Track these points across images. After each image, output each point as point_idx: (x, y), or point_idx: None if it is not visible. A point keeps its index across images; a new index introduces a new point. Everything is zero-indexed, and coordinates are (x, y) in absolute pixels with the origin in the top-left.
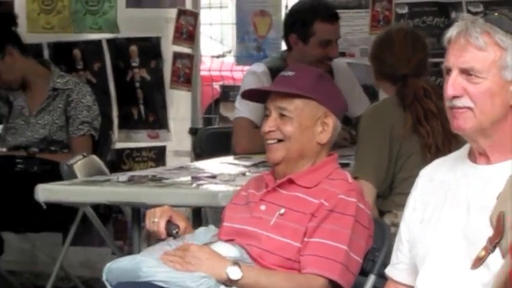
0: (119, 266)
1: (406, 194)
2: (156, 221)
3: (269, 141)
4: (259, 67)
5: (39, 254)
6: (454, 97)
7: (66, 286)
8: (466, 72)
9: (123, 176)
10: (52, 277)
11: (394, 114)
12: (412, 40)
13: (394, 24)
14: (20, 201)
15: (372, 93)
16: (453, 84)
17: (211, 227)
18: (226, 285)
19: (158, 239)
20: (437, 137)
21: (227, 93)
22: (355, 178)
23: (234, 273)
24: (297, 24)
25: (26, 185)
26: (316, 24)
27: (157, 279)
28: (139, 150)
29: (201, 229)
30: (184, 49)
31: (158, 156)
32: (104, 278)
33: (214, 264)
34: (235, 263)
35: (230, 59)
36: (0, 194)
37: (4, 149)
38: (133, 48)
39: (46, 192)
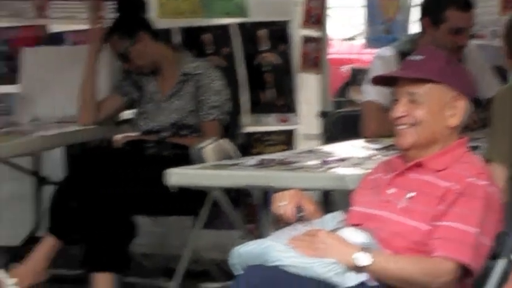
0: (247, 250)
1: None
2: (283, 205)
3: (400, 127)
4: (388, 51)
5: (171, 237)
6: None
7: (198, 269)
8: None
9: (252, 160)
10: (184, 260)
11: None
12: None
13: None
14: (152, 185)
15: (501, 75)
16: None
17: (338, 213)
18: (355, 272)
19: (286, 223)
20: None
21: (357, 76)
22: (488, 160)
23: (363, 259)
24: (431, 8)
25: (158, 169)
26: (449, 10)
27: (286, 263)
28: (269, 133)
29: (328, 215)
30: (313, 32)
31: (287, 139)
32: (232, 261)
33: (343, 250)
34: (364, 249)
35: (358, 42)
36: (132, 179)
37: (137, 134)
38: (262, 32)
39: (176, 177)
